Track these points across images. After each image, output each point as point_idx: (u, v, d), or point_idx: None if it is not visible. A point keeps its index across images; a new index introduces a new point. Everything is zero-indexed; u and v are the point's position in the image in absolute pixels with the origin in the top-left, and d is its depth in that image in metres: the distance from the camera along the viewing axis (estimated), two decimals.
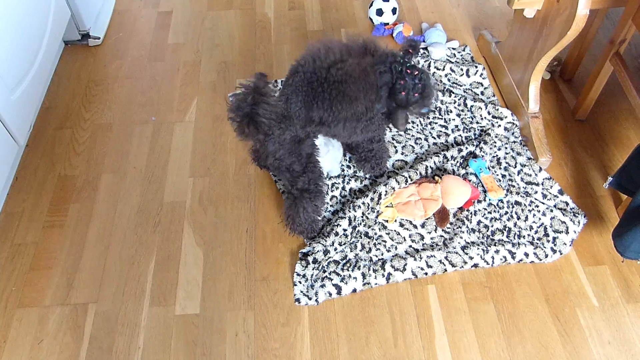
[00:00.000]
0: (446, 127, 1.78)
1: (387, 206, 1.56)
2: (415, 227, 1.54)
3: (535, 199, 1.58)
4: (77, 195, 1.63)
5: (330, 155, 1.58)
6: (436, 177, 1.60)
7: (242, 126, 1.19)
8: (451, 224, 1.55)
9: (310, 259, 1.44)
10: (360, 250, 1.49)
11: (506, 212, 1.56)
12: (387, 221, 1.55)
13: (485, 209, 1.57)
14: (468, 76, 1.92)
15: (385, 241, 1.51)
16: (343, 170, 1.66)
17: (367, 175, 1.64)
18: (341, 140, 1.50)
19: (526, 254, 1.47)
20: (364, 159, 1.58)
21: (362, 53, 1.29)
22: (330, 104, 1.27)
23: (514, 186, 1.62)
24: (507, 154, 1.70)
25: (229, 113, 1.19)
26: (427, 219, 1.55)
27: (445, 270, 1.45)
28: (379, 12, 2.12)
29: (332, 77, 1.25)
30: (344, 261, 1.46)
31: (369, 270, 1.44)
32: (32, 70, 1.69)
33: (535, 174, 1.64)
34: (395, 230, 1.53)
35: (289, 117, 1.29)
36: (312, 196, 1.39)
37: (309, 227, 1.46)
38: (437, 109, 1.83)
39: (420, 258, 1.45)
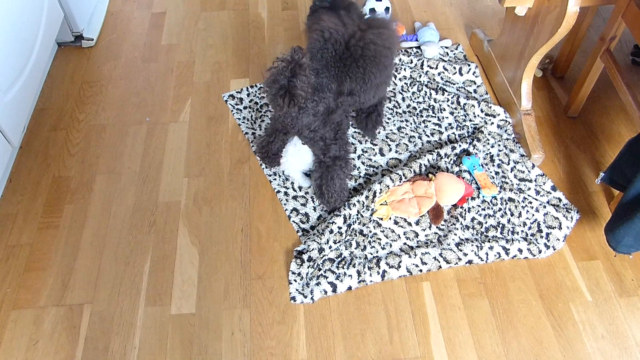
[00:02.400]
0: (440, 125, 1.79)
1: (381, 204, 1.57)
2: (409, 224, 1.55)
3: (529, 196, 1.59)
4: (71, 196, 1.62)
5: (298, 156, 1.60)
6: (430, 175, 1.61)
7: (278, 98, 1.24)
8: (445, 221, 1.55)
9: (305, 257, 1.44)
10: (355, 248, 1.49)
11: (500, 209, 1.57)
12: (381, 219, 1.55)
13: (479, 205, 1.58)
14: (461, 74, 1.93)
15: (380, 239, 1.51)
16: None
17: (368, 138, 1.68)
18: (364, 104, 1.53)
19: (520, 250, 1.48)
20: (368, 115, 1.64)
21: (366, 22, 1.40)
22: (363, 75, 1.36)
23: (507, 183, 1.63)
24: (500, 151, 1.71)
25: (265, 86, 1.25)
26: (421, 216, 1.56)
27: (440, 267, 1.46)
28: (372, 12, 2.13)
29: (367, 50, 1.34)
30: (339, 259, 1.47)
31: (364, 267, 1.44)
32: (25, 71, 1.69)
33: (528, 171, 1.65)
34: (389, 228, 1.54)
35: (322, 90, 1.35)
36: (343, 163, 1.47)
37: (339, 195, 1.51)
38: (431, 107, 1.83)
39: (415, 255, 1.46)
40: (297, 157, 1.59)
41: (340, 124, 1.45)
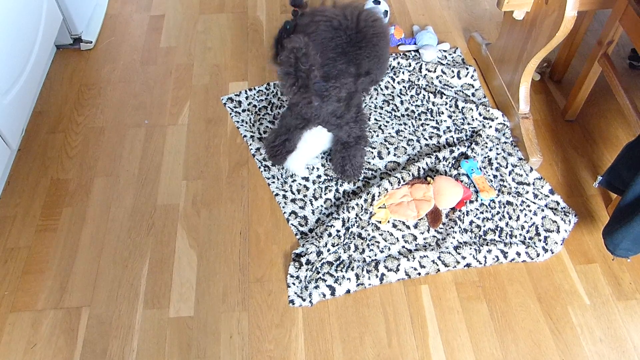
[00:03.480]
0: (438, 129, 1.80)
1: (380, 207, 1.57)
2: (408, 227, 1.55)
3: (527, 199, 1.60)
4: (69, 199, 1.62)
5: (307, 151, 1.63)
6: (428, 178, 1.61)
7: (294, 89, 1.30)
8: (444, 224, 1.56)
9: (303, 260, 1.44)
10: (354, 251, 1.49)
11: (498, 212, 1.57)
12: (380, 222, 1.55)
13: (477, 209, 1.58)
14: (459, 78, 1.94)
15: (378, 242, 1.52)
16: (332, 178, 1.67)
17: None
18: (378, 82, 1.60)
19: (518, 253, 1.48)
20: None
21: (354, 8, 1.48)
22: (378, 53, 1.44)
23: (505, 186, 1.63)
24: (498, 154, 1.71)
25: (280, 81, 1.33)
26: (419, 219, 1.56)
27: (438, 270, 1.46)
28: None
29: (377, 28, 1.43)
30: (338, 262, 1.47)
31: (363, 271, 1.44)
32: (24, 74, 1.69)
33: (526, 174, 1.66)
34: (388, 231, 1.54)
35: (342, 76, 1.41)
36: (363, 141, 1.57)
37: (360, 169, 1.62)
38: (429, 110, 1.84)
39: (414, 258, 1.46)
40: (306, 152, 1.62)
41: (360, 105, 1.54)
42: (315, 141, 1.62)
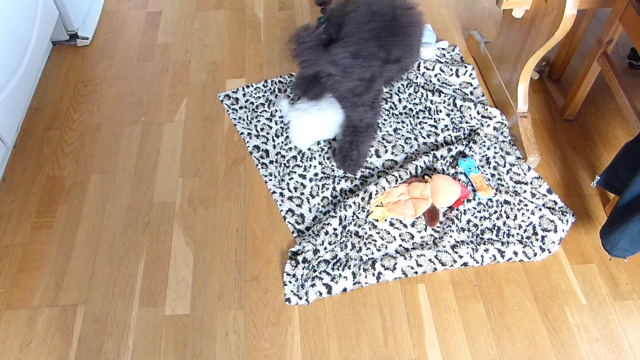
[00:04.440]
0: (436, 127, 1.79)
1: (377, 205, 1.56)
2: (405, 226, 1.55)
3: (524, 198, 1.59)
4: (65, 196, 1.62)
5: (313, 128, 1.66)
6: (426, 177, 1.61)
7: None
8: (441, 223, 1.55)
9: (300, 258, 1.44)
10: (351, 250, 1.49)
11: (495, 211, 1.57)
12: (377, 220, 1.55)
13: (474, 208, 1.58)
14: (457, 76, 1.93)
15: (375, 240, 1.51)
16: (333, 171, 1.67)
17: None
18: (407, 71, 1.67)
19: (515, 253, 1.48)
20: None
21: None
22: (411, 42, 1.49)
23: (503, 185, 1.63)
24: (496, 153, 1.71)
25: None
26: (417, 218, 1.56)
27: (435, 269, 1.46)
28: None
29: (412, 17, 1.49)
30: (334, 260, 1.47)
31: (359, 269, 1.44)
32: (20, 70, 1.68)
33: (524, 173, 1.65)
34: (385, 230, 1.53)
35: (370, 58, 1.45)
36: (372, 130, 1.61)
37: (361, 161, 1.63)
38: (427, 108, 1.83)
39: (411, 257, 1.46)
40: (316, 131, 1.67)
41: (380, 92, 1.58)
42: (327, 121, 1.65)
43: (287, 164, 1.69)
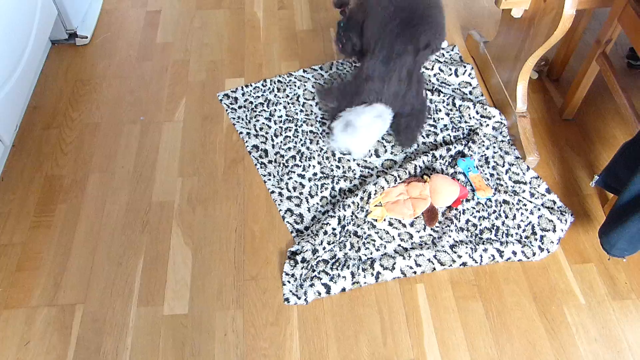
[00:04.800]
0: (435, 127, 1.79)
1: (376, 205, 1.56)
2: (404, 226, 1.55)
3: (523, 198, 1.59)
4: (64, 195, 1.61)
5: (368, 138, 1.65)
6: (425, 176, 1.61)
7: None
8: (440, 222, 1.55)
9: (298, 258, 1.44)
10: (350, 250, 1.49)
11: (494, 211, 1.57)
12: (376, 220, 1.55)
13: (473, 207, 1.58)
14: (457, 76, 1.93)
15: (374, 240, 1.51)
16: (332, 171, 1.67)
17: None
18: (438, 47, 1.67)
19: (514, 253, 1.48)
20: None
21: None
22: (436, 24, 1.53)
23: (502, 185, 1.63)
24: (495, 153, 1.71)
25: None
26: (416, 218, 1.56)
27: (434, 269, 1.46)
28: None
29: (427, 1, 1.53)
30: (333, 260, 1.47)
31: (358, 269, 1.44)
32: (18, 69, 1.68)
33: (523, 173, 1.65)
34: (384, 229, 1.53)
35: (400, 56, 1.49)
36: (423, 114, 1.66)
37: (419, 132, 1.72)
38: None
39: (409, 257, 1.46)
40: (370, 137, 1.65)
41: (420, 79, 1.61)
42: (377, 126, 1.63)
43: (286, 164, 1.69)
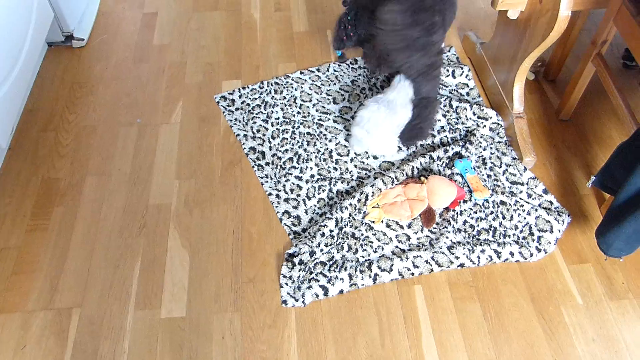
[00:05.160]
0: (432, 128, 1.79)
1: (373, 207, 1.56)
2: (401, 227, 1.55)
3: (520, 199, 1.60)
4: (61, 198, 1.61)
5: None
6: (422, 178, 1.61)
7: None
8: (437, 224, 1.55)
9: (296, 260, 1.44)
10: (347, 251, 1.49)
11: (492, 212, 1.57)
12: (373, 222, 1.55)
13: (471, 208, 1.58)
14: (454, 77, 1.93)
15: (371, 242, 1.51)
16: (330, 173, 1.67)
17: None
18: (451, 21, 1.69)
19: (511, 253, 1.48)
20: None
21: None
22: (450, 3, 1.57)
23: (499, 186, 1.63)
24: (492, 154, 1.71)
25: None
26: (413, 219, 1.56)
27: (432, 270, 1.46)
28: None
29: None
30: (331, 262, 1.46)
31: (356, 271, 1.44)
32: (15, 72, 1.67)
33: (520, 174, 1.66)
34: (381, 231, 1.53)
35: (435, 30, 1.51)
36: (436, 103, 1.66)
37: (429, 130, 1.72)
38: None
39: (407, 258, 1.46)
40: (393, 132, 1.65)
41: (438, 61, 1.62)
42: (398, 119, 1.63)
43: (283, 166, 1.68)
